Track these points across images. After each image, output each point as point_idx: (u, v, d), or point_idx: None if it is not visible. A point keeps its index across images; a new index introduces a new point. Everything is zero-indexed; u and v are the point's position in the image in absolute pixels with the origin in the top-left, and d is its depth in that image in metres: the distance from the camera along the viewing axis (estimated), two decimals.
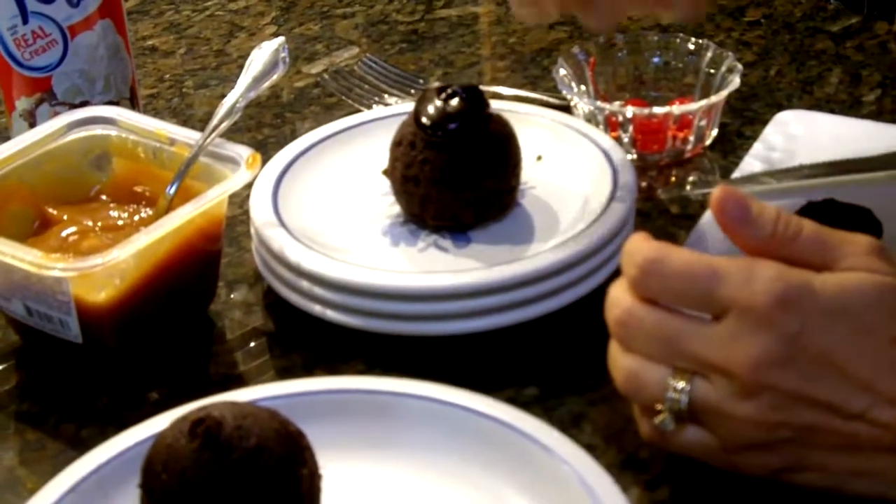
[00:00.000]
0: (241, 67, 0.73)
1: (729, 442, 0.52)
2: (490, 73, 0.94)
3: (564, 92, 0.80)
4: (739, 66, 0.80)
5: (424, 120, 0.68)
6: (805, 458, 0.51)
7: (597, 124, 0.78)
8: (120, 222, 0.68)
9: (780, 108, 0.83)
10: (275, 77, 0.72)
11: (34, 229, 0.68)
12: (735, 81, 0.79)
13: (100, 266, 0.59)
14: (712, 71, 0.81)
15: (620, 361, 0.54)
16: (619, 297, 0.54)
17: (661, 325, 0.52)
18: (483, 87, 0.87)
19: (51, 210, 0.69)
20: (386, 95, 0.88)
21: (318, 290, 0.65)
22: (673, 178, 0.79)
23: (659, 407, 0.52)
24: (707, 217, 0.73)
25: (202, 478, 0.48)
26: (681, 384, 0.52)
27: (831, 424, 0.50)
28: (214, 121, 0.68)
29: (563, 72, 0.81)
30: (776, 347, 0.49)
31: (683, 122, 0.78)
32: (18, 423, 0.63)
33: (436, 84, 0.88)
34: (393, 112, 0.79)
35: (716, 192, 0.53)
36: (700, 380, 0.52)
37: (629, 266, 0.53)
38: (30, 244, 0.63)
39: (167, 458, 0.49)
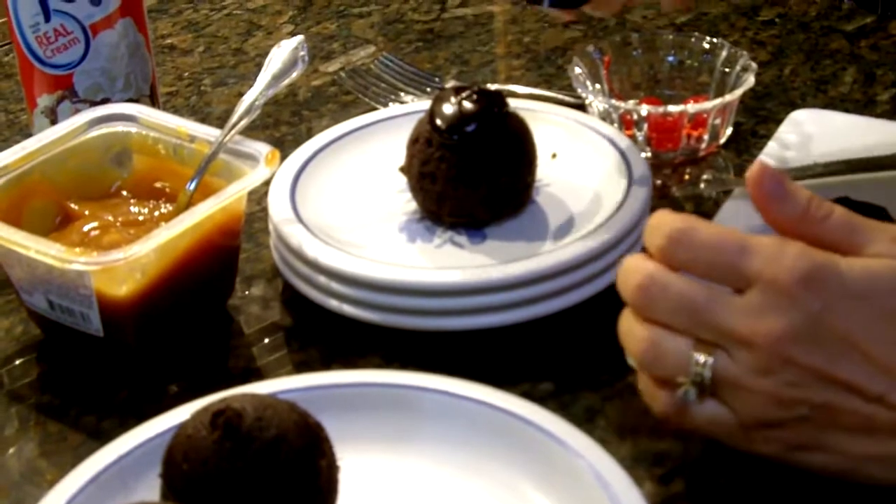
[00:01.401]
0: (258, 66, 0.74)
1: (747, 418, 0.52)
2: (505, 72, 0.94)
3: (579, 90, 0.81)
4: (754, 65, 0.80)
5: (440, 123, 0.69)
6: (821, 439, 0.52)
7: (611, 122, 0.79)
8: (140, 218, 0.69)
9: (795, 107, 0.84)
10: (294, 75, 0.72)
11: (56, 224, 0.69)
12: (750, 80, 0.79)
13: (122, 260, 0.60)
14: (727, 70, 0.82)
15: (639, 332, 0.53)
16: (641, 265, 0.53)
17: (685, 292, 0.52)
18: (498, 86, 0.88)
19: (72, 205, 0.70)
20: (402, 94, 0.89)
21: (336, 286, 0.66)
22: (687, 176, 0.80)
23: (681, 379, 0.52)
24: (721, 215, 0.74)
25: (222, 468, 0.48)
26: (703, 357, 0.52)
27: (850, 405, 0.50)
28: (234, 118, 0.69)
29: (578, 70, 0.81)
30: (799, 323, 0.50)
31: (698, 120, 0.79)
32: (40, 415, 0.64)
33: (451, 84, 0.89)
34: (409, 110, 0.79)
35: (753, 166, 0.53)
36: (722, 353, 0.52)
37: (656, 237, 0.53)
38: (52, 239, 0.64)
39: (188, 448, 0.49)
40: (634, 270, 0.53)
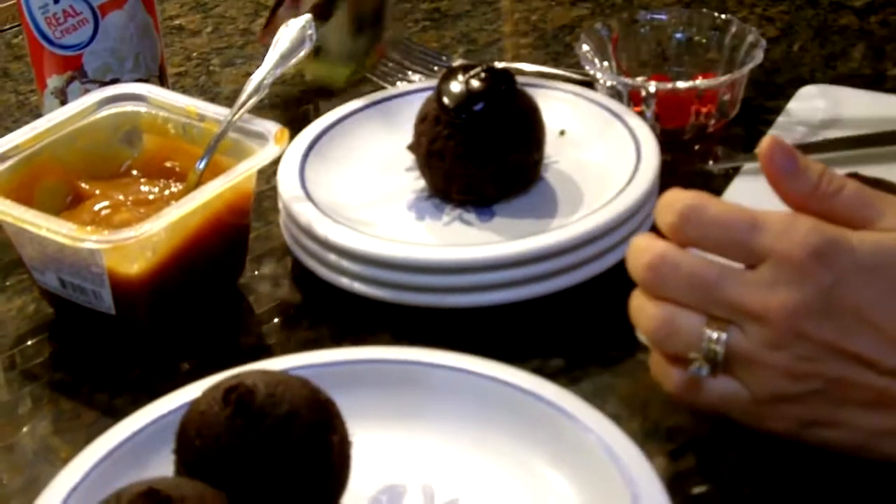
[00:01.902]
0: (266, 46, 0.74)
1: (760, 393, 0.52)
2: (512, 50, 0.94)
3: (587, 68, 0.81)
4: (763, 41, 0.80)
5: (448, 102, 0.69)
6: (834, 414, 0.52)
7: (620, 100, 0.79)
8: (151, 197, 0.69)
9: (804, 83, 0.84)
10: (302, 54, 0.72)
11: (67, 203, 0.69)
12: (758, 56, 0.79)
13: (133, 238, 0.60)
14: (736, 46, 0.81)
15: (650, 309, 0.53)
16: (650, 244, 0.53)
17: (697, 270, 0.52)
18: (505, 64, 0.88)
19: (83, 185, 0.70)
20: (409, 72, 0.89)
21: (346, 263, 0.66)
22: (695, 153, 0.79)
23: (693, 355, 0.52)
24: (731, 192, 0.74)
25: (235, 444, 0.49)
26: (717, 333, 0.52)
27: (863, 379, 0.50)
28: (243, 97, 0.69)
29: (585, 48, 0.81)
30: (811, 297, 0.50)
31: (707, 97, 0.79)
32: (53, 393, 0.64)
33: (459, 62, 0.88)
34: (417, 88, 0.79)
35: (765, 141, 0.53)
36: (734, 329, 0.52)
37: (667, 213, 0.53)
38: (63, 218, 0.64)
39: (201, 424, 0.50)
40: (644, 249, 0.53)
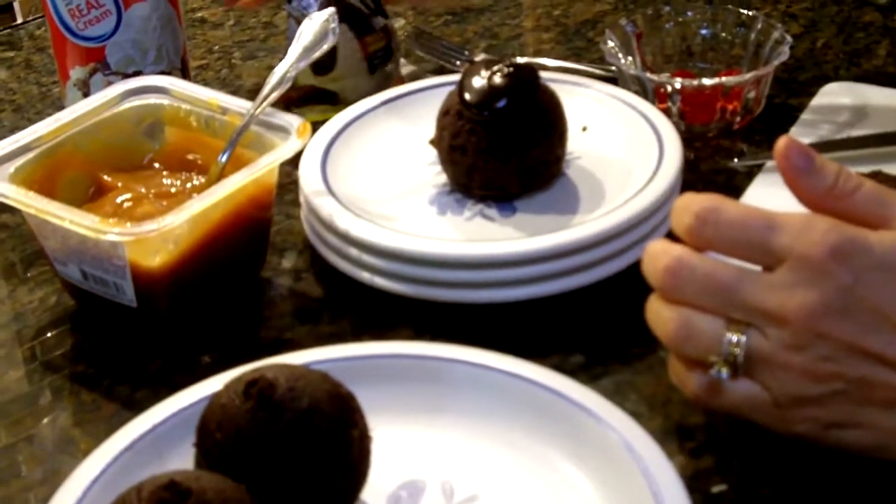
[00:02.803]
0: (288, 39, 0.74)
1: (781, 395, 0.52)
2: (534, 45, 0.94)
3: (612, 64, 0.80)
4: (789, 38, 0.80)
5: (470, 98, 0.68)
6: (856, 415, 0.51)
7: (645, 96, 0.78)
8: (173, 189, 0.69)
9: (827, 80, 0.83)
10: (325, 47, 0.72)
11: (89, 196, 0.70)
12: (784, 53, 0.78)
13: (155, 231, 0.61)
14: (761, 42, 0.81)
15: (667, 313, 0.53)
16: (666, 248, 0.53)
17: (714, 273, 0.52)
18: (528, 60, 0.88)
19: (105, 177, 0.70)
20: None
21: (367, 258, 0.66)
22: (719, 150, 0.79)
23: (713, 359, 0.52)
24: (754, 189, 0.73)
25: (256, 437, 0.49)
26: (736, 336, 0.51)
27: (884, 378, 0.50)
28: (265, 90, 0.69)
29: (610, 43, 0.81)
30: (831, 297, 0.49)
31: (732, 93, 0.78)
32: (73, 385, 0.65)
33: (481, 57, 0.88)
34: (440, 82, 0.79)
35: (781, 141, 0.53)
36: (754, 331, 0.51)
37: (684, 215, 0.53)
38: (85, 210, 0.65)
39: (222, 417, 0.50)
40: (661, 253, 0.53)
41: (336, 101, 0.80)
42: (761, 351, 0.51)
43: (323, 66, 0.80)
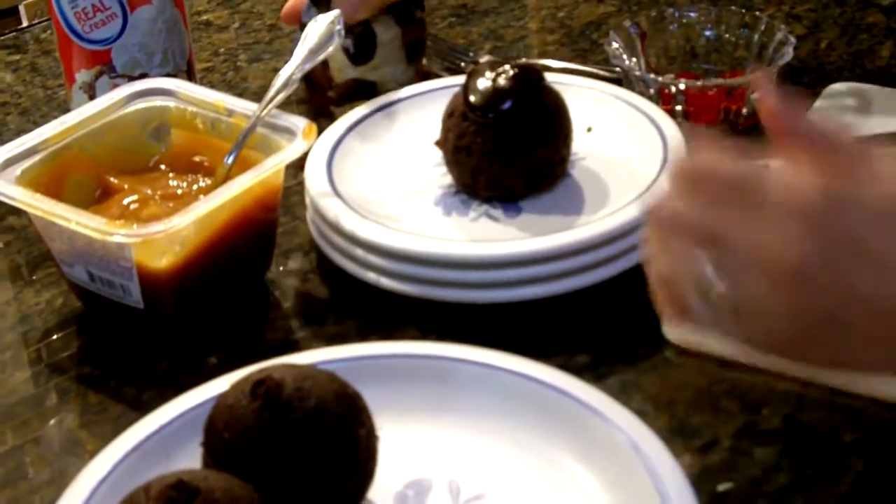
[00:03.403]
0: (293, 41, 0.74)
1: (763, 340, 0.51)
2: (539, 47, 0.94)
3: (617, 65, 0.80)
4: (792, 39, 0.80)
5: (475, 101, 0.69)
6: (840, 355, 0.50)
7: (649, 97, 0.78)
8: (179, 191, 0.70)
9: (831, 81, 0.83)
10: (330, 49, 0.73)
11: (96, 198, 0.70)
12: (788, 53, 0.79)
13: (162, 233, 0.61)
14: (765, 44, 0.81)
15: (660, 254, 0.52)
16: (664, 197, 0.53)
17: (703, 216, 0.51)
18: (532, 61, 0.88)
19: (112, 179, 0.70)
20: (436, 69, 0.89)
21: (373, 259, 0.66)
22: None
23: (695, 302, 0.51)
24: None
25: (263, 437, 0.49)
26: (719, 279, 0.50)
27: (866, 322, 0.49)
28: (271, 92, 0.69)
29: (615, 45, 0.81)
30: (818, 246, 0.49)
31: (736, 94, 0.78)
32: (80, 387, 0.65)
33: (486, 59, 0.88)
34: (445, 84, 0.79)
35: (767, 98, 0.52)
36: (738, 276, 0.50)
37: (678, 171, 0.53)
38: (92, 212, 0.65)
39: (229, 417, 0.50)
40: (658, 202, 0.53)
41: (374, 96, 0.80)
42: (745, 296, 0.50)
43: (362, 54, 0.80)
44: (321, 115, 0.81)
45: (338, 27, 0.73)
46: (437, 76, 0.85)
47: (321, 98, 0.82)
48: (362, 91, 0.81)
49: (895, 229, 0.49)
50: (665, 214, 0.53)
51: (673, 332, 0.54)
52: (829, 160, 0.51)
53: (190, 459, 0.53)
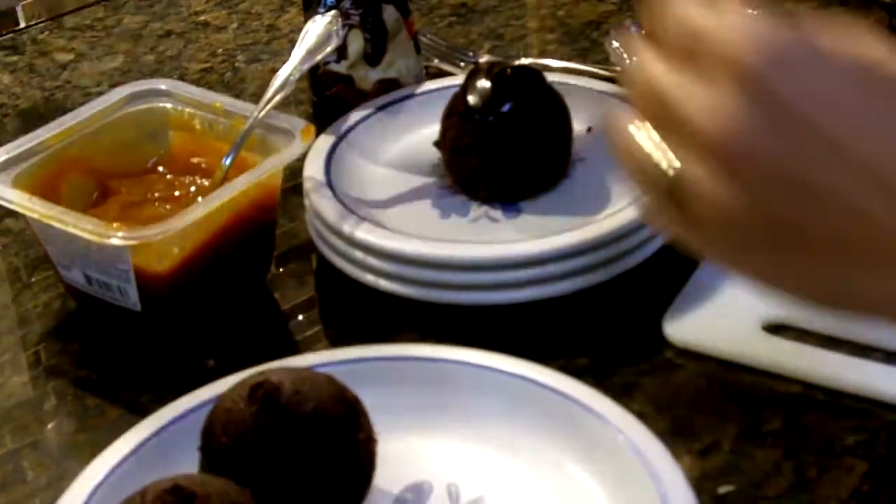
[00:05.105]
0: (291, 42, 0.74)
1: (711, 231, 0.43)
2: (539, 46, 0.94)
3: (618, 64, 0.80)
4: None
5: (475, 103, 0.68)
6: (809, 278, 0.41)
7: None
8: (177, 193, 0.69)
9: None
10: (328, 50, 0.72)
11: (93, 200, 0.70)
12: None
13: (159, 235, 0.61)
14: None
15: (626, 125, 0.45)
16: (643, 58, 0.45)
17: (658, 78, 0.43)
18: (532, 61, 0.87)
19: (110, 181, 0.70)
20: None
21: (371, 260, 0.66)
22: None
23: (643, 179, 0.44)
24: None
25: (261, 441, 0.49)
26: (665, 159, 0.43)
27: (822, 219, 0.40)
28: (269, 93, 0.69)
29: (615, 44, 0.81)
30: (764, 112, 0.40)
31: None
32: (78, 390, 0.65)
33: (485, 59, 0.88)
34: (444, 84, 0.79)
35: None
36: (688, 153, 0.42)
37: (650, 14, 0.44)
38: (90, 214, 0.65)
39: (227, 421, 0.50)
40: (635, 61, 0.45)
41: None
42: (691, 176, 0.42)
43: (377, 49, 0.80)
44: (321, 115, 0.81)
45: (336, 27, 0.72)
46: (437, 75, 0.85)
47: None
48: (390, 91, 0.81)
49: (857, 102, 0.39)
50: (635, 73, 0.44)
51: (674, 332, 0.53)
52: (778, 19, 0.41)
53: (188, 463, 0.52)
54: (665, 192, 0.43)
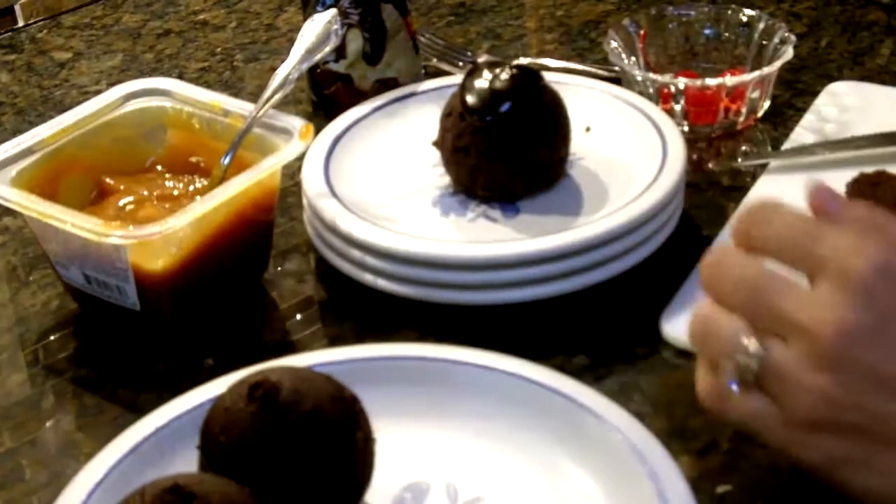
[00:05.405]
0: (290, 41, 0.74)
1: (794, 416, 0.48)
2: (537, 46, 0.94)
3: (616, 64, 0.80)
4: (792, 38, 0.79)
5: (473, 103, 0.68)
6: (870, 453, 0.48)
7: (648, 96, 0.78)
8: (175, 192, 0.69)
9: (831, 79, 0.83)
10: (327, 49, 0.72)
11: (92, 199, 0.70)
12: (788, 52, 0.78)
13: (158, 234, 0.60)
14: (765, 42, 0.81)
15: (700, 307, 0.51)
16: (720, 247, 0.51)
17: (751, 271, 0.49)
18: (530, 60, 0.87)
19: (108, 180, 0.70)
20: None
21: (370, 260, 0.66)
22: (723, 150, 0.79)
23: (726, 364, 0.49)
24: (757, 188, 0.73)
25: (260, 440, 0.49)
26: (755, 345, 0.49)
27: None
28: (268, 92, 0.69)
29: (614, 44, 0.81)
30: (866, 319, 0.46)
31: (736, 93, 0.78)
32: (76, 389, 0.65)
33: (484, 58, 0.88)
34: (443, 84, 0.79)
35: (810, 184, 0.51)
36: (777, 342, 0.48)
37: (742, 216, 0.51)
38: (88, 213, 0.65)
39: (226, 420, 0.50)
40: (713, 251, 0.52)
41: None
42: (780, 363, 0.48)
43: (376, 48, 0.80)
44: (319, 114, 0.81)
45: (335, 27, 0.72)
46: (435, 75, 0.85)
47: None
48: (388, 90, 0.81)
49: None
50: (713, 259, 0.51)
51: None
52: (885, 235, 0.48)
53: (186, 462, 0.52)
54: (748, 375, 0.49)
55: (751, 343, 0.49)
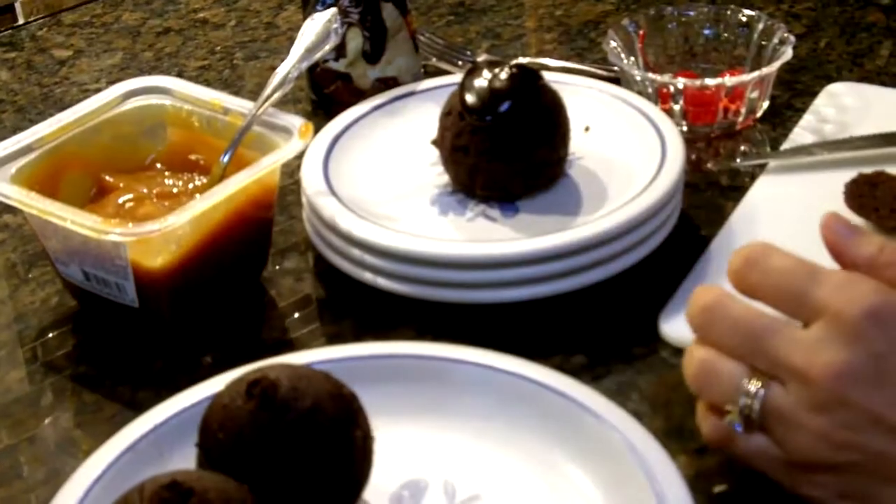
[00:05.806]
0: (290, 40, 0.74)
1: (794, 456, 0.50)
2: (537, 46, 0.94)
3: (615, 64, 0.80)
4: (791, 38, 0.80)
5: (472, 103, 0.68)
6: (870, 489, 0.49)
7: (647, 96, 0.78)
8: (175, 190, 0.69)
9: (830, 80, 0.83)
10: (327, 48, 0.72)
11: (91, 196, 0.70)
12: (787, 53, 0.78)
13: (157, 232, 0.61)
14: (764, 43, 0.81)
15: (696, 352, 0.52)
16: (710, 288, 0.52)
17: (747, 316, 0.50)
18: (530, 60, 0.88)
19: (107, 178, 0.70)
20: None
21: (369, 258, 0.66)
22: (722, 150, 0.79)
23: (729, 407, 0.51)
24: (756, 189, 0.73)
25: (258, 437, 0.49)
26: (755, 387, 0.50)
27: None
28: (268, 90, 0.69)
29: (613, 44, 0.81)
30: (861, 361, 0.47)
31: (735, 93, 0.78)
32: (75, 386, 0.65)
33: (483, 58, 0.88)
34: (442, 83, 0.79)
35: (825, 215, 0.52)
36: (776, 385, 0.50)
37: (735, 259, 0.52)
38: (87, 211, 0.64)
39: (224, 418, 0.50)
40: (703, 292, 0.52)
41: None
42: (779, 406, 0.49)
43: (376, 47, 0.80)
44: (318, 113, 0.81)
45: (334, 26, 0.72)
46: (435, 74, 0.85)
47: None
48: (388, 89, 0.81)
49: None
50: (707, 303, 0.52)
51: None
52: (885, 277, 0.49)
53: (185, 459, 0.53)
54: (751, 415, 0.50)
55: (752, 385, 0.50)
